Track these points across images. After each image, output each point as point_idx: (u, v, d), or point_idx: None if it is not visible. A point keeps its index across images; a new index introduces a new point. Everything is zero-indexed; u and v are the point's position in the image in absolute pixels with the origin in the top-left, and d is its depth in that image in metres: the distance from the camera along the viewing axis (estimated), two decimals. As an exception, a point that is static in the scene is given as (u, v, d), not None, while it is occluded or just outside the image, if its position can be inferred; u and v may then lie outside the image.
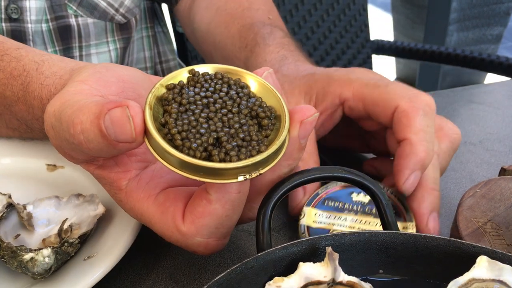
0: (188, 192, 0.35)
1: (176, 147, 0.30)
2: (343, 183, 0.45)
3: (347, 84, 0.45)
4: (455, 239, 0.33)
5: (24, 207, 0.43)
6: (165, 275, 0.42)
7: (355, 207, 0.44)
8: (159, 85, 0.33)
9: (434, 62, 1.46)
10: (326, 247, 0.32)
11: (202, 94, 0.32)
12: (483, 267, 0.31)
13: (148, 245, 0.44)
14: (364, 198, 0.44)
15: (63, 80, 0.41)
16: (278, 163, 0.33)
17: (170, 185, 0.36)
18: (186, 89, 0.32)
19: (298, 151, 0.34)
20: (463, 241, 0.33)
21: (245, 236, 0.45)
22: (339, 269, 0.31)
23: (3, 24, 0.61)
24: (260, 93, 0.34)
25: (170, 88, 0.33)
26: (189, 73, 0.34)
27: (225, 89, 0.33)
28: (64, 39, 0.65)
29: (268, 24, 0.59)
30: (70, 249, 0.38)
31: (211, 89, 0.33)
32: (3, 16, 0.61)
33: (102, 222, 0.43)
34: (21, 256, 0.36)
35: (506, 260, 0.31)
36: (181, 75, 0.33)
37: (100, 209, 0.43)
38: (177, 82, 0.33)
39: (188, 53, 1.06)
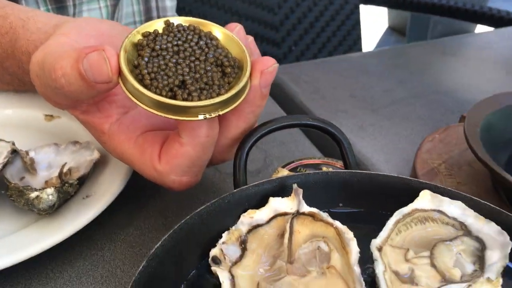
0: (164, 135, 0.40)
1: (145, 86, 0.34)
2: (319, 159, 0.50)
3: None
4: (404, 177, 0.38)
5: (27, 153, 0.47)
6: (155, 212, 0.47)
7: None
8: (136, 32, 0.36)
9: (425, 13, 1.47)
10: (293, 184, 0.37)
11: (174, 42, 0.36)
12: (426, 199, 0.36)
13: (140, 186, 0.49)
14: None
15: (48, 34, 0.44)
16: (242, 110, 0.37)
17: (148, 129, 0.41)
18: (160, 37, 0.36)
19: (260, 99, 0.38)
20: (411, 178, 0.38)
21: (224, 176, 0.51)
22: (303, 202, 0.36)
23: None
24: (227, 45, 0.38)
25: (145, 35, 0.36)
26: (165, 24, 0.37)
27: (195, 40, 0.37)
28: None
29: None
30: (70, 189, 0.43)
31: (183, 38, 0.36)
32: None
33: (98, 166, 0.48)
34: (27, 195, 0.41)
35: (446, 194, 0.36)
36: (157, 24, 0.37)
37: (96, 155, 0.47)
38: (152, 31, 0.36)
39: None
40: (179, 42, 0.36)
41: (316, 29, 1.45)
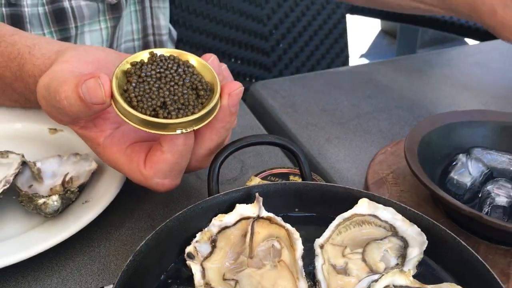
0: (148, 146, 0.48)
1: (133, 107, 0.42)
2: (288, 169, 0.58)
3: None
4: (348, 187, 0.46)
5: (34, 163, 0.55)
6: (144, 215, 0.55)
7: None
8: (125, 62, 0.44)
9: (411, 24, 1.53)
10: (256, 193, 0.45)
11: (157, 70, 0.44)
12: (363, 206, 0.44)
13: (132, 192, 0.57)
14: (298, 179, 0.57)
15: (51, 60, 0.52)
16: (214, 125, 0.46)
17: (135, 141, 0.49)
18: (145, 66, 0.44)
19: (229, 116, 0.46)
20: (354, 188, 0.46)
21: (204, 183, 0.58)
22: (262, 208, 0.43)
23: (3, 9, 0.70)
24: (202, 71, 0.46)
25: (133, 64, 0.44)
26: (149, 54, 0.45)
27: (175, 67, 0.44)
28: (59, 21, 0.74)
29: None
30: (72, 195, 0.51)
31: (164, 67, 0.44)
32: (2, 1, 0.70)
33: (95, 175, 0.55)
34: (36, 201, 0.49)
35: (381, 202, 0.44)
36: (143, 55, 0.45)
37: (94, 165, 0.55)
38: (139, 60, 0.44)
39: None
40: (161, 70, 0.44)
41: (304, 37, 1.52)
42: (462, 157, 0.52)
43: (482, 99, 0.75)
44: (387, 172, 0.56)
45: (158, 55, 0.45)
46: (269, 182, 0.48)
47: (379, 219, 0.43)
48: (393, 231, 0.43)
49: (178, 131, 0.43)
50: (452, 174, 0.51)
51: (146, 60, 0.45)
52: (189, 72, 0.45)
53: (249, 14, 1.39)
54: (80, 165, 0.56)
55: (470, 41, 2.94)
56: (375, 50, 3.16)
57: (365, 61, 3.05)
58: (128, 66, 0.44)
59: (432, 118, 0.56)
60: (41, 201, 0.49)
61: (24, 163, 0.54)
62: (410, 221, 0.42)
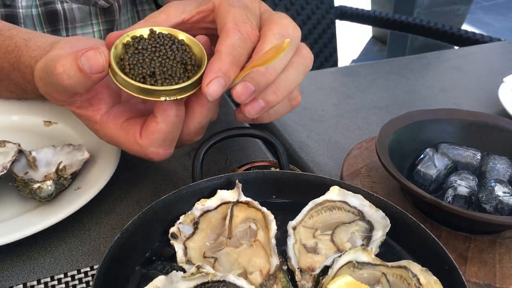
0: (142, 120, 0.51)
1: (125, 73, 0.47)
2: (269, 162, 0.62)
3: None
4: (321, 176, 0.50)
5: (30, 152, 0.59)
6: (133, 202, 0.58)
7: None
8: (126, 35, 0.49)
9: (398, 31, 1.58)
10: (236, 180, 0.48)
11: (153, 45, 0.48)
12: (334, 193, 0.48)
13: (121, 181, 0.60)
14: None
15: (46, 51, 0.55)
16: (203, 100, 0.49)
17: (130, 117, 0.52)
18: (144, 40, 0.48)
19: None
20: (327, 177, 0.50)
21: (189, 173, 0.62)
22: (242, 193, 0.47)
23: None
24: (195, 50, 0.49)
25: (133, 38, 0.49)
26: (149, 31, 0.49)
27: (170, 44, 0.49)
28: (52, 22, 0.77)
29: None
30: (65, 182, 0.54)
31: (160, 42, 0.48)
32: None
33: (87, 164, 0.59)
34: (31, 185, 0.52)
35: (350, 189, 0.48)
36: (143, 30, 0.49)
37: (86, 155, 0.59)
38: (138, 35, 0.49)
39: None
40: (157, 45, 0.48)
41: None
42: (429, 152, 0.56)
43: (455, 100, 0.79)
44: (361, 165, 0.60)
45: (157, 32, 0.49)
46: (248, 171, 0.52)
47: (348, 204, 0.47)
48: (361, 216, 0.47)
49: (162, 98, 0.47)
50: (419, 167, 0.55)
51: (145, 36, 0.49)
52: (181, 49, 0.49)
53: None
54: (73, 154, 0.60)
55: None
56: (366, 56, 3.22)
57: (355, 66, 3.10)
58: (128, 39, 0.49)
59: (403, 116, 0.60)
60: (36, 185, 0.52)
61: (20, 152, 0.57)
62: (376, 207, 0.46)
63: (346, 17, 1.64)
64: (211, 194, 0.48)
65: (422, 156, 0.56)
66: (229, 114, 0.74)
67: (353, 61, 3.17)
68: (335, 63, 1.64)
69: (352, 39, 3.24)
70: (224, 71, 0.45)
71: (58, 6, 0.77)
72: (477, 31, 3.38)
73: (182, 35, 0.50)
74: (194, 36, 0.51)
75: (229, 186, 0.49)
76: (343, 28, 1.61)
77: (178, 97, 0.47)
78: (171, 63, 0.48)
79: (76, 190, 0.56)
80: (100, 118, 0.52)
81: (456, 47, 1.33)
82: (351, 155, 0.61)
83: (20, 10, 0.75)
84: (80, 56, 0.46)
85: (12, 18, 0.75)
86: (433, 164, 0.55)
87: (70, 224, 0.54)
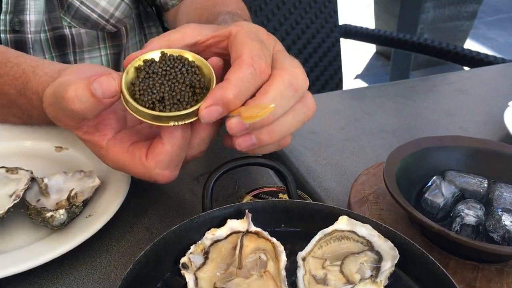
0: (148, 144, 0.52)
1: (135, 99, 0.48)
2: (277, 187, 0.62)
3: (239, 26, 0.51)
4: (330, 205, 0.50)
5: (42, 179, 0.59)
6: (143, 228, 0.59)
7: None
8: (138, 59, 0.49)
9: (402, 49, 1.59)
10: (246, 210, 0.49)
11: (164, 68, 0.49)
12: (343, 222, 0.48)
13: (131, 208, 0.61)
14: (286, 197, 0.61)
15: (53, 78, 0.56)
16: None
17: (136, 141, 0.53)
18: (155, 64, 0.49)
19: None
20: (336, 206, 0.50)
21: (199, 199, 0.63)
22: (251, 223, 0.48)
23: (8, 35, 0.75)
24: (205, 71, 0.50)
25: (145, 61, 0.49)
26: (161, 53, 0.50)
27: (180, 66, 0.49)
28: (60, 46, 0.78)
29: (233, 14, 0.67)
30: (76, 210, 0.55)
31: (171, 65, 0.49)
32: (8, 28, 0.75)
33: (98, 191, 0.60)
34: (44, 214, 0.53)
35: (359, 219, 0.49)
36: (155, 54, 0.50)
37: (97, 182, 0.60)
38: (149, 58, 0.49)
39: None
40: (167, 68, 0.49)
41: (299, 60, 1.57)
42: (436, 179, 0.57)
43: (461, 124, 0.80)
44: (369, 191, 0.60)
45: (168, 55, 0.50)
46: (258, 200, 0.52)
47: (357, 234, 0.48)
48: (369, 246, 0.47)
49: (171, 123, 0.48)
50: (426, 195, 0.55)
51: (157, 59, 0.50)
52: (191, 71, 0.49)
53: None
54: (84, 181, 0.61)
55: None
56: (370, 72, 3.23)
57: (359, 82, 3.12)
58: (140, 62, 0.50)
59: (410, 143, 0.61)
60: (48, 214, 0.53)
61: (32, 179, 0.58)
62: (385, 237, 0.47)
63: (351, 36, 1.65)
64: (221, 223, 0.49)
65: (429, 183, 0.57)
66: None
67: (357, 76, 3.19)
68: (339, 82, 1.65)
69: (355, 55, 3.26)
70: (226, 101, 0.46)
71: (66, 31, 0.78)
72: (480, 46, 3.40)
73: (192, 57, 0.50)
74: (206, 59, 0.51)
75: (239, 215, 0.50)
76: (346, 43, 1.63)
77: (186, 122, 0.48)
78: (180, 86, 0.48)
79: (87, 218, 0.56)
80: (106, 144, 0.53)
81: (466, 68, 1.34)
82: (358, 182, 0.62)
83: (29, 36, 0.77)
84: (93, 82, 0.47)
85: (21, 44, 0.77)
86: (440, 192, 0.55)
87: (81, 251, 0.55)
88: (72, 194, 0.58)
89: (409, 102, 0.86)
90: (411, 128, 0.79)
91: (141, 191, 0.63)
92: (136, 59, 0.49)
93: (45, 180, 0.60)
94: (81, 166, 0.65)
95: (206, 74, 0.50)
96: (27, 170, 0.59)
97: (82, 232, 0.54)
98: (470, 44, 3.37)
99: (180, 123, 0.48)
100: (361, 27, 1.64)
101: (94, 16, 0.79)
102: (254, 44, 0.48)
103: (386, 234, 0.47)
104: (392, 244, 0.46)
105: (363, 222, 0.48)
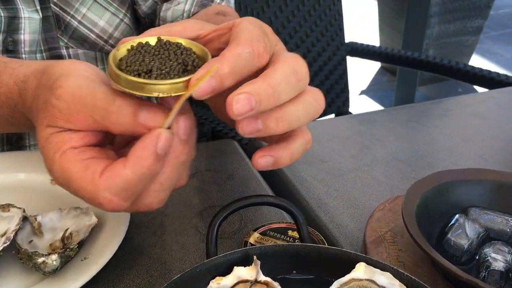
0: (109, 162, 0.43)
1: (121, 70, 0.42)
2: (286, 223, 0.58)
3: (243, 18, 0.47)
4: (346, 250, 0.46)
5: (35, 218, 0.56)
6: (142, 271, 0.55)
7: (287, 238, 0.57)
8: (132, 41, 0.45)
9: (408, 67, 1.56)
10: (254, 255, 0.45)
11: (157, 49, 0.44)
12: (361, 270, 0.44)
13: (129, 248, 0.57)
14: (296, 234, 0.57)
15: (35, 67, 0.50)
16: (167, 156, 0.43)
17: (98, 157, 0.44)
18: (149, 46, 0.45)
19: (180, 145, 0.43)
20: (351, 251, 0.46)
21: (203, 237, 0.59)
22: (260, 272, 0.44)
23: (1, 55, 0.71)
24: (201, 54, 0.45)
25: (138, 43, 0.45)
26: (157, 39, 0.46)
27: (174, 49, 0.45)
28: None
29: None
30: (71, 252, 0.51)
31: (165, 48, 0.45)
32: (1, 48, 0.72)
33: (94, 230, 0.56)
34: (35, 260, 0.49)
35: (378, 266, 0.44)
36: (150, 39, 0.46)
37: (94, 220, 0.56)
38: (144, 42, 0.45)
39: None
40: (161, 50, 0.45)
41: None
42: (459, 218, 0.52)
43: (479, 151, 0.76)
44: (385, 230, 0.56)
45: (164, 40, 0.46)
46: (266, 244, 0.48)
47: (376, 284, 0.44)
48: (390, 297, 0.43)
49: (155, 94, 0.42)
50: (449, 235, 0.51)
51: (151, 43, 0.45)
52: (186, 53, 0.45)
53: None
54: (80, 219, 0.57)
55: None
56: (375, 87, 3.20)
57: (364, 97, 3.08)
58: (133, 43, 0.45)
59: (429, 178, 0.57)
60: (40, 260, 0.49)
61: (25, 218, 0.54)
62: (407, 287, 0.43)
63: (357, 54, 1.62)
64: (227, 270, 0.45)
65: (452, 222, 0.53)
66: (241, 168, 0.71)
67: (362, 92, 3.16)
68: (346, 100, 1.61)
69: (360, 70, 3.23)
70: (220, 74, 0.41)
71: (63, 52, 0.75)
72: (486, 61, 3.37)
73: (189, 44, 0.46)
74: None
75: (246, 261, 0.46)
76: (351, 58, 1.60)
77: (173, 95, 0.42)
78: (170, 63, 0.43)
79: (83, 261, 0.52)
80: (67, 149, 0.43)
81: (476, 87, 1.31)
82: (373, 218, 0.58)
83: (24, 56, 0.74)
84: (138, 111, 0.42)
85: None
86: (464, 232, 0.51)
87: (75, 297, 0.51)
88: (67, 234, 0.54)
89: (422, 128, 0.82)
90: (425, 156, 0.75)
91: (140, 229, 0.59)
92: (130, 41, 0.45)
93: (39, 218, 0.56)
94: (78, 201, 0.60)
95: (202, 58, 0.45)
96: (19, 208, 0.55)
97: (77, 278, 0.50)
98: (476, 59, 3.34)
99: (166, 95, 0.42)
100: (368, 45, 1.61)
101: (92, 36, 0.76)
102: (255, 30, 0.44)
103: (408, 283, 0.43)
104: (416, 296, 0.42)
105: (382, 270, 0.44)
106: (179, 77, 0.43)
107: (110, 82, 0.43)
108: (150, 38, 0.46)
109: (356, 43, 1.61)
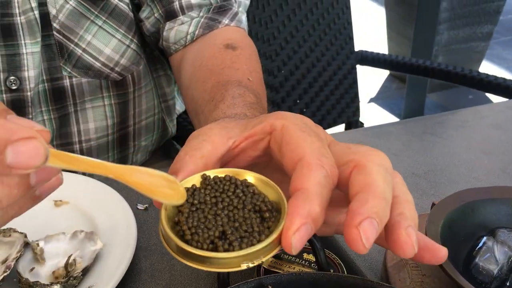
0: None
1: (186, 241, 0.34)
2: None
3: (281, 118, 0.40)
4: (367, 279, 0.43)
5: (37, 244, 0.53)
6: (150, 299, 0.52)
7: (303, 262, 0.54)
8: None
9: (419, 75, 1.53)
10: (269, 285, 0.42)
11: (212, 194, 0.36)
12: (385, 302, 0.41)
13: (137, 271, 0.54)
14: (312, 257, 0.54)
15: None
16: None
17: None
18: (198, 191, 0.36)
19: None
20: (372, 280, 0.43)
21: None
22: (276, 304, 0.41)
23: (4, 95, 0.67)
24: (263, 189, 0.38)
25: (189, 188, 0.37)
26: (201, 178, 0.37)
27: (232, 189, 0.37)
28: (58, 99, 0.70)
29: (244, 86, 0.58)
30: (74, 281, 0.49)
31: (220, 190, 0.37)
32: (3, 88, 0.67)
33: (99, 256, 0.53)
34: (36, 290, 0.46)
35: (403, 296, 0.41)
36: (195, 179, 0.37)
37: (99, 245, 0.53)
38: (190, 186, 0.37)
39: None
40: (217, 194, 0.36)
41: (314, 89, 1.52)
42: (487, 241, 0.49)
43: (501, 164, 0.73)
44: (407, 253, 0.53)
45: (212, 177, 0.38)
46: (281, 273, 0.45)
47: (402, 317, 0.40)
48: (418, 332, 0.40)
49: (244, 265, 0.34)
50: (477, 260, 0.48)
51: (198, 185, 0.38)
52: (249, 192, 0.37)
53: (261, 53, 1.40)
54: (85, 244, 0.54)
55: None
56: (384, 95, 3.17)
57: (373, 105, 3.05)
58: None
59: (452, 197, 0.53)
60: (41, 291, 0.46)
61: (26, 244, 0.52)
62: (436, 321, 0.39)
63: (367, 62, 1.60)
64: (240, 302, 0.42)
65: (479, 245, 0.49)
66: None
67: (371, 99, 3.12)
68: (356, 110, 1.58)
69: (369, 77, 3.20)
70: (314, 216, 0.34)
71: (66, 82, 0.71)
72: (496, 67, 3.32)
73: (242, 174, 0.39)
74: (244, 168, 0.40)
75: (260, 292, 0.43)
76: (360, 66, 1.57)
77: (263, 259, 0.35)
78: (242, 214, 0.36)
79: (88, 290, 0.50)
80: None
81: (489, 95, 1.27)
82: (394, 240, 0.55)
83: (28, 93, 0.68)
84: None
85: (19, 103, 0.68)
86: (493, 256, 0.48)
87: (79, 329, 0.48)
88: (70, 261, 0.52)
89: (439, 140, 0.79)
90: (444, 170, 0.72)
91: (148, 253, 0.57)
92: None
93: (41, 244, 0.53)
94: (82, 223, 0.58)
95: (268, 193, 0.38)
96: (21, 233, 0.53)
97: (81, 308, 0.47)
98: (485, 65, 3.30)
99: (256, 263, 0.34)
100: (378, 53, 1.59)
101: (98, 64, 0.71)
102: (314, 141, 0.37)
103: (437, 316, 0.40)
104: (446, 331, 0.39)
105: (408, 301, 0.41)
106: (263, 232, 0.35)
107: (177, 259, 0.35)
108: (193, 178, 0.37)
109: (366, 52, 1.58)
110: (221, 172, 0.38)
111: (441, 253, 0.39)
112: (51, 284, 0.47)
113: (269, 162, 0.42)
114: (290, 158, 0.37)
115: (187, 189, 0.37)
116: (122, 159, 0.82)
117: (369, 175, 0.36)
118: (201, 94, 0.62)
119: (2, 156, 0.29)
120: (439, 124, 0.84)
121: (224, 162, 0.41)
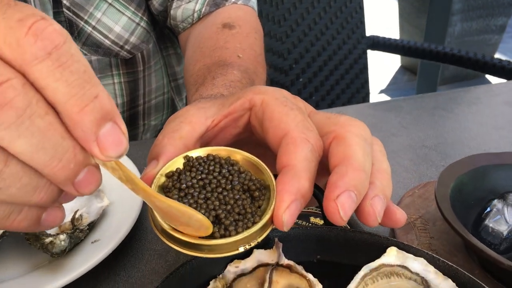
0: None
1: (179, 231, 0.33)
2: (308, 209, 0.55)
3: (260, 92, 0.40)
4: (375, 234, 0.43)
5: (44, 199, 0.53)
6: (156, 256, 0.52)
7: (309, 224, 0.54)
8: (159, 175, 0.36)
9: (432, 61, 1.52)
10: (275, 238, 0.41)
11: (198, 177, 0.35)
12: (392, 255, 0.40)
13: (143, 230, 0.54)
14: (319, 221, 0.53)
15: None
16: None
17: None
18: (183, 174, 0.35)
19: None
20: (381, 235, 0.42)
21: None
22: (282, 255, 0.40)
23: None
24: (248, 167, 0.38)
25: (169, 176, 0.35)
26: (184, 159, 0.36)
27: (217, 169, 0.36)
28: None
29: (228, 64, 0.57)
30: (80, 234, 0.48)
31: (206, 171, 0.36)
32: None
33: (106, 213, 0.53)
34: (43, 240, 0.46)
35: (411, 251, 0.41)
36: (178, 162, 0.36)
37: (105, 202, 0.53)
38: (174, 169, 0.35)
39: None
40: (203, 175, 0.36)
41: (324, 72, 1.51)
42: (497, 203, 0.48)
43: (513, 139, 0.72)
44: (415, 216, 0.52)
45: (194, 157, 0.37)
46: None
47: (409, 270, 0.40)
48: (425, 285, 0.39)
49: (241, 248, 0.34)
50: (487, 222, 0.47)
51: (182, 167, 0.36)
52: (234, 171, 0.36)
53: (269, 48, 1.39)
54: (91, 201, 0.54)
55: (492, 79, 2.91)
56: (395, 86, 3.14)
57: (385, 97, 3.03)
58: (164, 179, 0.36)
59: (464, 160, 0.53)
60: (48, 240, 0.46)
61: (33, 198, 0.52)
62: (444, 274, 0.39)
63: (378, 47, 1.58)
64: (246, 254, 0.41)
65: (489, 208, 0.48)
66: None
67: (381, 91, 3.10)
68: (366, 96, 1.57)
69: (380, 68, 3.18)
70: (303, 192, 0.34)
71: None
72: (509, 60, 3.28)
73: (224, 152, 0.38)
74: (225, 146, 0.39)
75: (266, 244, 0.42)
76: (370, 56, 1.56)
77: (259, 240, 0.35)
78: (232, 195, 0.35)
79: (93, 243, 0.50)
80: None
81: (497, 79, 1.26)
82: (402, 204, 0.54)
83: None
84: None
85: None
86: (503, 218, 0.47)
87: (84, 280, 0.48)
88: (76, 216, 0.52)
89: (451, 115, 0.78)
90: (455, 143, 0.71)
91: (154, 213, 0.56)
92: (157, 176, 0.35)
93: (48, 200, 0.53)
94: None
95: (251, 170, 0.37)
96: (28, 188, 0.53)
97: (86, 260, 0.47)
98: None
99: (252, 244, 0.35)
100: (389, 38, 1.57)
101: (107, 42, 0.71)
102: (296, 114, 0.37)
103: (445, 270, 0.39)
104: (454, 283, 0.38)
105: (416, 255, 0.40)
106: (256, 213, 0.35)
107: (170, 246, 0.34)
108: (175, 161, 0.36)
109: (377, 37, 1.57)
110: (203, 152, 0.37)
111: (396, 215, 0.39)
112: (57, 234, 0.47)
113: (250, 138, 0.41)
114: (274, 134, 0.37)
115: (172, 174, 0.36)
116: (131, 138, 0.82)
117: (348, 147, 0.36)
118: (189, 78, 0.61)
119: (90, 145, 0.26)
120: (451, 100, 0.83)
121: (204, 142, 0.40)
